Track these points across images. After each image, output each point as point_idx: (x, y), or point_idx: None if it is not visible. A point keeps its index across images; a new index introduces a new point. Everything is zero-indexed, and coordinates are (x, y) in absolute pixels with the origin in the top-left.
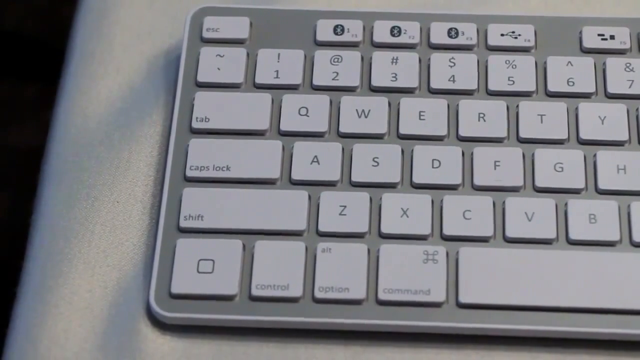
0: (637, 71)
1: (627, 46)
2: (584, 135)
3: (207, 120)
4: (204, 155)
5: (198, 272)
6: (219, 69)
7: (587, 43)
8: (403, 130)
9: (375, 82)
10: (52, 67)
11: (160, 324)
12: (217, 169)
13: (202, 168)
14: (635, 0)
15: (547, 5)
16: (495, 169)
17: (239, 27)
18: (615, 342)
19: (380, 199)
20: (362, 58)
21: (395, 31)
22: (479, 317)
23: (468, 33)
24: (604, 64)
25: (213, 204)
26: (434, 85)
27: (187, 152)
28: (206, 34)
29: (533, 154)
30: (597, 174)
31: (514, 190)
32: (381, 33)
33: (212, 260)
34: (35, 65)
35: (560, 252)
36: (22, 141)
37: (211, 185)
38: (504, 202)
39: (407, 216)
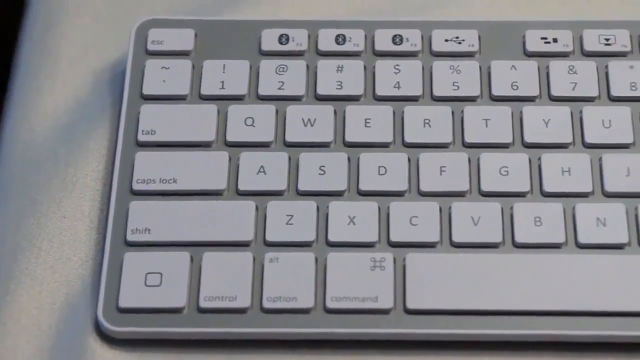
0: (580, 73)
1: (570, 49)
2: (528, 138)
3: (153, 132)
4: (150, 168)
5: (146, 285)
6: (164, 81)
7: (531, 46)
8: (349, 137)
9: (321, 91)
10: None
11: (109, 339)
12: (164, 181)
13: (149, 181)
14: (578, 3)
15: (491, 9)
16: (441, 174)
17: (183, 39)
18: (562, 343)
19: (327, 207)
20: (308, 67)
21: (340, 39)
22: (427, 323)
23: (412, 39)
24: (548, 67)
25: (160, 217)
26: (379, 92)
27: (133, 166)
28: (151, 47)
29: (478, 158)
30: (542, 177)
31: (460, 195)
32: (326, 41)
33: (160, 273)
34: None
35: (506, 255)
36: None
37: (158, 198)
38: (450, 207)
39: (354, 224)
